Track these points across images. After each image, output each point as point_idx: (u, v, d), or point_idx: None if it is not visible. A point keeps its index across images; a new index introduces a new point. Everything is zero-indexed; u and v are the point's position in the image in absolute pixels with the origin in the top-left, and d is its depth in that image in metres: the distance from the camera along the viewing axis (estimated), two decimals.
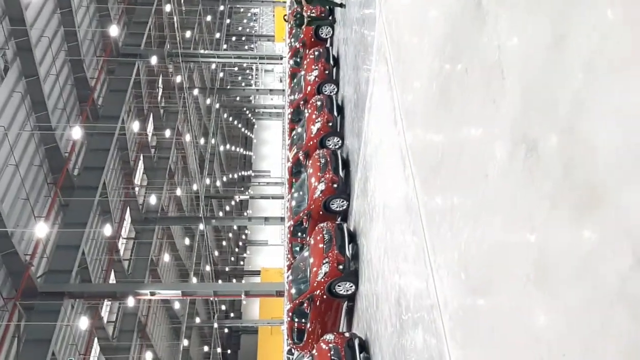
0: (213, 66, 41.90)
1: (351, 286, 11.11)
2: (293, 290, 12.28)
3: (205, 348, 38.71)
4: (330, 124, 14.98)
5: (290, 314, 12.32)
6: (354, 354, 9.93)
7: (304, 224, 13.76)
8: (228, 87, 45.60)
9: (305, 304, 11.66)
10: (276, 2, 50.01)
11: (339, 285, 11.17)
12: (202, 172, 39.59)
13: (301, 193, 14.47)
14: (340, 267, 11.28)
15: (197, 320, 36.54)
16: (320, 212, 13.28)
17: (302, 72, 18.50)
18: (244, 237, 53.89)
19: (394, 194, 7.14)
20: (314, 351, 10.79)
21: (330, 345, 10.35)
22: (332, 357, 10.04)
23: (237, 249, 50.74)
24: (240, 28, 63.99)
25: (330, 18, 17.32)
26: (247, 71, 59.22)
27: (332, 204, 13.05)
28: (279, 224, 37.73)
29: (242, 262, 53.76)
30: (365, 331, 10.03)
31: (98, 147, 27.03)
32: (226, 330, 44.98)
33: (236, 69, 55.09)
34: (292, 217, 14.52)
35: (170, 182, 38.73)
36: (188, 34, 35.21)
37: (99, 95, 29.29)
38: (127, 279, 30.46)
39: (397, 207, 6.97)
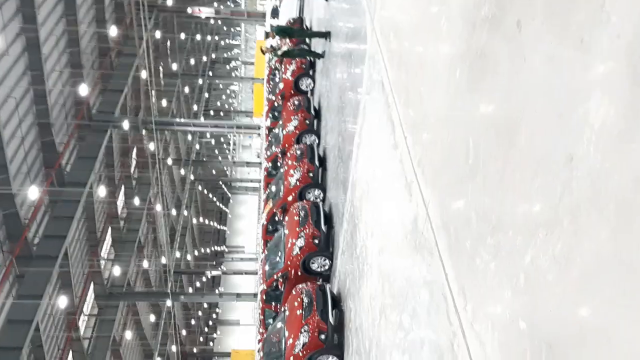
0: (189, 137, 41.15)
1: None
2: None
3: None
4: (311, 175, 13.83)
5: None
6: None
7: (280, 287, 12.43)
8: (204, 159, 44.71)
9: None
10: (255, 79, 50.23)
11: None
12: (172, 245, 37.94)
13: (276, 253, 13.10)
14: (322, 336, 10.06)
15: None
16: (299, 273, 12.06)
17: (280, 123, 17.47)
18: (214, 316, 51.32)
19: (395, 233, 5.90)
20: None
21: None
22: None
23: (206, 329, 48.11)
24: (218, 103, 64.12)
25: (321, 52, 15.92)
26: (225, 145, 58.69)
27: (313, 263, 11.82)
28: (252, 301, 35.92)
29: (211, 343, 50.91)
30: None
31: (62, 215, 25.52)
32: None
33: (213, 141, 54.54)
34: (265, 281, 13.21)
35: (139, 256, 36.97)
36: (165, 103, 34.59)
37: (67, 162, 28.10)
38: None
39: (400, 247, 5.70)
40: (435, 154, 4.83)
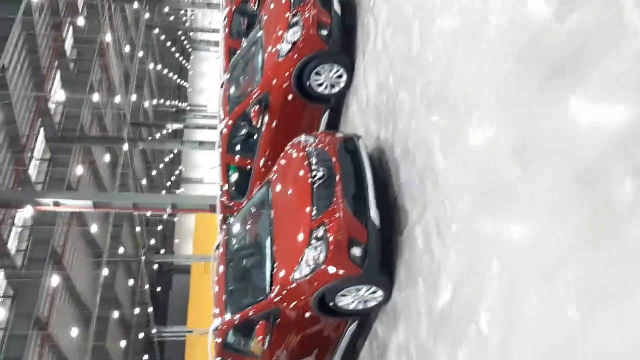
0: None
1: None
2: (232, 94, 8.72)
3: (131, 282, 34.83)
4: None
5: (225, 133, 8.71)
6: (358, 161, 6.29)
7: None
8: None
9: (253, 112, 8.10)
10: None
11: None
12: (127, 88, 35.21)
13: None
14: (324, 32, 7.55)
15: (122, 250, 32.68)
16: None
17: None
18: (177, 173, 49.68)
19: None
20: (272, 175, 7.15)
21: (311, 149, 6.66)
22: (312, 168, 6.28)
23: (169, 185, 46.60)
24: None
25: None
26: None
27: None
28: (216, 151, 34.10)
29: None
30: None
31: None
32: (156, 267, 41.20)
33: None
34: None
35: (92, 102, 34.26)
36: None
37: None
38: None
39: None
40: None
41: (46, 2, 28.44)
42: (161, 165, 44.35)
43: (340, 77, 8.21)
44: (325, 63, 7.97)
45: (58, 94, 30.85)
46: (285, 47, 7.90)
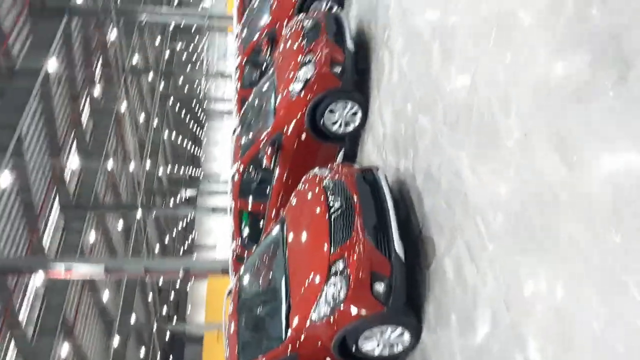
0: (157, 40, 38.01)
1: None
2: (244, 140, 8.45)
3: (143, 350, 33.81)
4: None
5: (238, 180, 8.47)
6: (378, 191, 5.87)
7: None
8: (174, 70, 41.59)
9: (267, 153, 7.67)
10: None
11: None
12: (142, 154, 35.50)
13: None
14: (337, 70, 7.35)
15: (133, 317, 31.93)
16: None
17: None
18: (190, 239, 49.35)
19: None
20: (285, 211, 6.71)
21: (327, 181, 6.22)
22: (329, 201, 5.86)
23: (181, 251, 46.17)
24: None
25: None
26: (195, 57, 55.07)
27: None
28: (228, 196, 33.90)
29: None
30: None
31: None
32: (168, 334, 40.17)
33: (184, 56, 51.10)
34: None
35: (107, 169, 34.51)
36: None
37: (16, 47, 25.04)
38: None
39: None
40: None
41: (64, 73, 29.11)
42: (174, 232, 44.07)
43: (354, 114, 7.94)
44: (338, 100, 7.72)
45: (73, 162, 31.11)
46: (297, 86, 7.68)
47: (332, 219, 5.75)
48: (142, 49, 37.37)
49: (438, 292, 5.29)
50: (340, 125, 7.98)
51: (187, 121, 52.56)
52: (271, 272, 6.57)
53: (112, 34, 30.22)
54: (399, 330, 5.56)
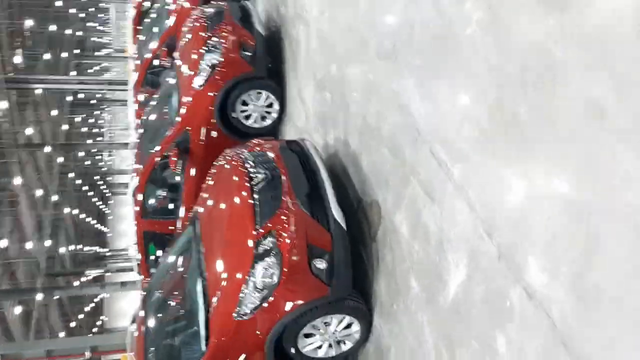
0: (54, 112, 35.91)
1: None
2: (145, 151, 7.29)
3: None
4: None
5: (139, 196, 7.21)
6: (307, 160, 4.95)
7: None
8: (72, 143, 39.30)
9: (171, 156, 6.48)
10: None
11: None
12: (40, 233, 32.68)
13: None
14: (247, 54, 6.63)
15: None
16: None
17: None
18: (99, 322, 45.39)
19: None
20: (197, 205, 5.55)
21: (245, 154, 5.23)
22: (250, 174, 4.86)
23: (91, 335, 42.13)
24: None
25: None
26: (95, 130, 52.72)
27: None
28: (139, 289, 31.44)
29: None
30: None
31: None
32: None
33: (85, 129, 48.72)
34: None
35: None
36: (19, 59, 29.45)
37: None
38: None
39: None
40: None
41: None
42: (80, 316, 40.43)
43: (270, 105, 7.06)
44: (251, 89, 6.84)
45: None
46: (203, 74, 6.73)
47: (255, 192, 4.72)
48: (37, 122, 35.24)
49: (390, 261, 4.34)
50: (255, 120, 7.06)
51: (90, 195, 49.58)
52: (185, 280, 5.35)
53: (2, 105, 28.13)
54: (347, 320, 4.51)
